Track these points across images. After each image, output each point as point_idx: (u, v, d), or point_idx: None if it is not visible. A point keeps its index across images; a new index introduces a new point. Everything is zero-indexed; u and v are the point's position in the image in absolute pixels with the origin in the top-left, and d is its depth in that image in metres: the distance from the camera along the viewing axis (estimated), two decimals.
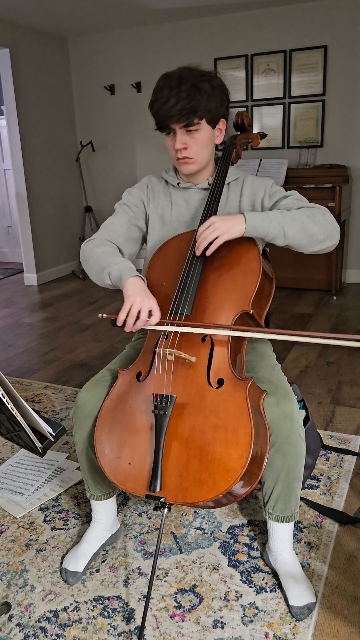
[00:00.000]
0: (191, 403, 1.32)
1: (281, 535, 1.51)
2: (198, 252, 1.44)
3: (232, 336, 1.39)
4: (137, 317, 1.35)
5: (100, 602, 1.49)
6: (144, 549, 1.68)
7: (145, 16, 4.64)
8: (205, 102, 1.46)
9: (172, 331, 1.42)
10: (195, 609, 1.45)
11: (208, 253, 1.43)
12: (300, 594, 1.44)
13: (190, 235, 1.56)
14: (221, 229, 1.40)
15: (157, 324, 1.40)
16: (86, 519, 1.83)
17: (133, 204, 1.67)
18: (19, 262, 6.36)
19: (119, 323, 1.36)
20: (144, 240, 1.72)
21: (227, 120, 1.59)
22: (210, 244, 1.42)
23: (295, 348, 3.29)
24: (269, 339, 1.76)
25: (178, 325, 1.40)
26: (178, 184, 1.65)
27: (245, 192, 1.61)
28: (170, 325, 1.41)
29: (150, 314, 1.37)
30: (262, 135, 1.74)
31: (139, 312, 1.35)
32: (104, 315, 1.42)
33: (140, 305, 1.35)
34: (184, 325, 1.39)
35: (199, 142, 1.51)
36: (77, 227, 5.71)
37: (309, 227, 1.44)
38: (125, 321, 1.36)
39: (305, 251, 1.51)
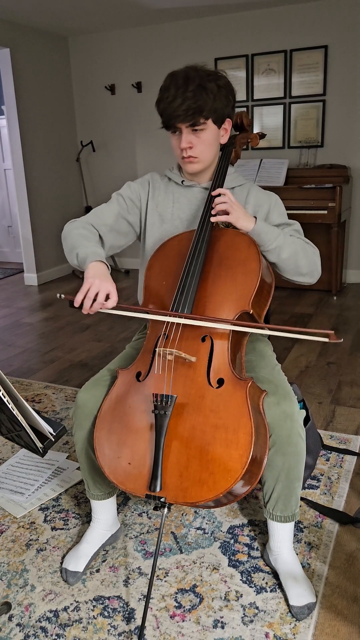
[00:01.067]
0: (191, 403, 1.32)
1: (281, 535, 1.51)
2: (213, 212, 1.48)
3: (232, 336, 1.39)
4: (95, 300, 1.36)
5: (101, 602, 1.49)
6: (144, 549, 1.68)
7: (145, 16, 4.64)
8: (212, 102, 1.46)
9: (172, 331, 1.42)
10: (195, 609, 1.45)
11: (213, 219, 1.47)
12: (300, 594, 1.44)
13: (189, 235, 1.56)
14: (232, 210, 1.45)
15: (156, 315, 1.40)
16: (86, 518, 1.83)
17: (129, 198, 1.67)
18: (19, 262, 6.36)
19: (76, 304, 1.37)
20: (137, 236, 1.74)
21: (233, 119, 1.60)
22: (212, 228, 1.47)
23: (296, 348, 3.29)
24: (269, 339, 1.76)
25: (171, 316, 1.40)
26: (182, 182, 1.65)
27: (250, 201, 1.63)
28: (167, 322, 1.41)
29: (107, 298, 1.38)
30: (262, 136, 1.74)
31: (97, 295, 1.36)
32: (62, 295, 1.42)
33: (98, 288, 1.36)
34: (183, 322, 1.39)
35: (204, 142, 1.52)
36: None
37: (299, 258, 1.52)
38: (82, 303, 1.37)
39: (284, 276, 1.58)
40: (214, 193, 1.49)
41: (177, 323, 1.42)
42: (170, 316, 1.41)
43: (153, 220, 1.67)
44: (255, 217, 1.48)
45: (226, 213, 1.45)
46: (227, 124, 1.58)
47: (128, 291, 4.80)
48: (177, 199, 1.66)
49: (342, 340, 1.33)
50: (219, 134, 1.56)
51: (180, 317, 1.40)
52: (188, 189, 1.66)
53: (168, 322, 1.44)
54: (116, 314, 1.41)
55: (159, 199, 1.68)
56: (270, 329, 1.36)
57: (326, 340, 1.28)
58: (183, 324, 1.42)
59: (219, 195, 1.47)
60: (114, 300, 1.38)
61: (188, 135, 1.51)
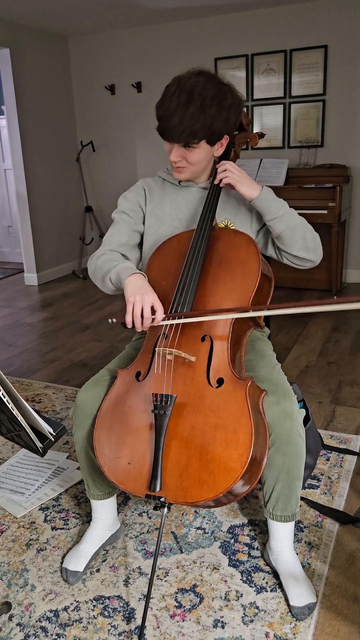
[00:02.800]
0: (191, 403, 1.32)
1: (282, 534, 1.51)
2: (216, 182, 1.54)
3: (231, 335, 1.39)
4: (142, 316, 1.35)
5: (101, 601, 1.49)
6: (144, 549, 1.68)
7: (145, 16, 4.64)
8: (208, 125, 1.44)
9: (171, 331, 1.42)
10: (195, 609, 1.45)
11: (215, 182, 1.52)
12: (300, 594, 1.44)
13: (189, 235, 1.56)
14: (236, 176, 1.49)
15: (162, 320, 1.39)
16: (86, 518, 1.83)
17: (131, 210, 1.67)
18: (20, 262, 6.36)
19: (128, 325, 1.36)
20: None
21: (231, 136, 1.61)
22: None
23: (296, 348, 3.29)
24: (268, 339, 1.76)
25: (180, 317, 1.39)
26: (179, 182, 1.65)
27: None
28: (174, 320, 1.40)
29: (153, 311, 1.36)
30: (261, 135, 1.74)
31: (142, 310, 1.35)
32: (114, 320, 1.40)
33: (140, 304, 1.35)
34: (187, 318, 1.39)
35: (195, 157, 1.52)
36: (77, 227, 5.71)
37: (305, 230, 1.54)
38: (133, 322, 1.36)
39: (291, 250, 1.55)
40: (218, 165, 1.53)
41: (176, 324, 1.42)
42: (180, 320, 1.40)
43: (150, 222, 1.67)
44: (262, 186, 1.51)
45: (229, 178, 1.50)
46: (224, 140, 1.57)
47: None
48: (175, 200, 1.66)
49: None
50: (213, 149, 1.56)
51: (199, 315, 1.39)
52: (185, 189, 1.66)
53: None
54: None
55: (156, 201, 1.68)
56: (306, 306, 1.26)
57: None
58: (182, 324, 1.42)
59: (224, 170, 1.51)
60: (160, 311, 1.36)
61: (179, 150, 1.50)
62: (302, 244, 1.53)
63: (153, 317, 1.36)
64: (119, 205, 1.69)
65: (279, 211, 1.50)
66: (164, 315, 1.37)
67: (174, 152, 1.51)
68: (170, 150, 1.52)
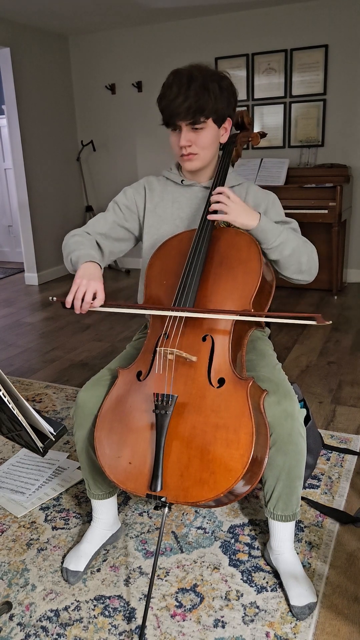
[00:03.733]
0: (192, 402, 1.32)
1: (282, 534, 1.51)
2: (211, 209, 1.49)
3: (232, 335, 1.39)
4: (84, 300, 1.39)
5: (101, 601, 1.49)
6: (145, 549, 1.68)
7: (146, 15, 4.64)
8: (213, 102, 1.47)
9: (172, 331, 1.42)
10: (196, 609, 1.45)
11: (210, 218, 1.48)
12: (301, 594, 1.44)
13: (190, 234, 1.56)
14: (230, 210, 1.45)
15: (157, 310, 1.42)
16: (87, 518, 1.83)
17: (124, 205, 1.69)
18: (20, 262, 6.36)
19: (67, 305, 1.41)
20: (136, 240, 1.75)
21: (233, 120, 1.60)
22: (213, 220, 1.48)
23: (296, 347, 3.29)
24: (269, 338, 1.76)
25: (175, 310, 1.41)
26: (182, 181, 1.65)
27: (248, 200, 1.63)
28: (168, 322, 1.41)
29: (95, 297, 1.40)
30: (262, 135, 1.74)
31: (85, 294, 1.39)
32: (54, 298, 1.46)
33: (85, 288, 1.39)
34: (178, 315, 1.39)
35: (204, 140, 1.52)
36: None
37: (300, 254, 1.52)
38: (73, 304, 1.40)
39: (283, 273, 1.57)
40: (214, 193, 1.48)
41: (177, 323, 1.42)
42: (159, 310, 1.44)
43: (151, 222, 1.67)
44: (260, 213, 1.48)
45: (224, 212, 1.46)
46: (227, 124, 1.58)
47: (129, 291, 4.80)
48: (177, 199, 1.66)
49: (330, 322, 1.33)
50: (219, 133, 1.56)
51: (173, 310, 1.42)
52: (188, 188, 1.66)
53: (168, 322, 1.44)
54: (114, 312, 1.44)
55: (157, 200, 1.68)
56: (258, 316, 1.39)
57: (313, 323, 1.28)
58: (184, 324, 1.42)
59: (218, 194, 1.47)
60: (100, 298, 1.41)
61: (188, 134, 1.51)
62: (296, 268, 1.54)
63: (92, 302, 1.40)
64: (118, 197, 1.72)
65: (275, 241, 1.48)
66: (103, 303, 1.41)
67: (183, 135, 1.51)
68: (178, 138, 1.52)
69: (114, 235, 1.68)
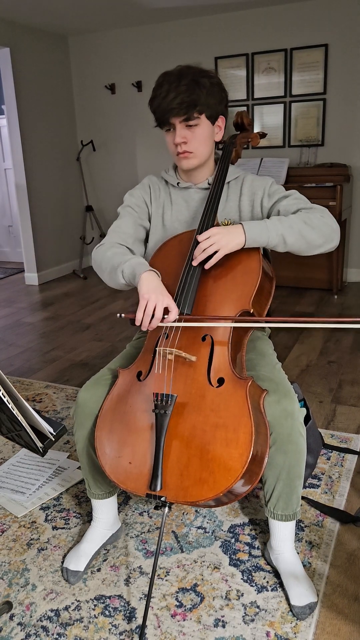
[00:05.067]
0: (191, 402, 1.32)
1: (282, 534, 1.51)
2: (195, 263, 1.43)
3: (232, 335, 1.39)
4: (153, 315, 1.34)
5: (102, 601, 1.49)
6: (145, 548, 1.68)
7: (145, 15, 4.64)
8: (205, 96, 1.47)
9: (172, 331, 1.42)
10: (196, 608, 1.45)
11: (207, 266, 1.43)
12: (301, 593, 1.44)
13: (190, 235, 1.56)
14: (220, 243, 1.40)
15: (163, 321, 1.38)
16: (87, 518, 1.83)
17: (136, 205, 1.67)
18: (20, 262, 6.36)
19: (137, 322, 1.35)
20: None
21: (227, 118, 1.60)
22: (209, 258, 1.42)
23: (297, 347, 3.29)
24: (269, 338, 1.76)
25: (184, 321, 1.39)
26: (178, 183, 1.65)
27: (244, 191, 1.61)
28: (181, 322, 1.40)
29: (167, 311, 1.35)
30: (262, 135, 1.74)
31: (155, 309, 1.33)
32: (122, 315, 1.40)
33: (154, 303, 1.33)
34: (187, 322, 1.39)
35: (199, 137, 1.52)
36: (77, 227, 5.71)
37: (306, 234, 1.45)
38: (142, 320, 1.34)
39: (304, 254, 1.52)
40: (199, 242, 1.42)
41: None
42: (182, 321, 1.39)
43: (156, 222, 1.67)
44: (241, 224, 1.42)
45: (215, 252, 1.41)
46: (221, 121, 1.58)
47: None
48: (175, 201, 1.66)
49: None
50: (213, 130, 1.56)
51: (188, 321, 1.38)
52: (184, 191, 1.66)
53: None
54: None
55: (160, 201, 1.68)
56: (267, 322, 1.36)
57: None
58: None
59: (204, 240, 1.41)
60: (174, 313, 1.34)
61: (182, 130, 1.50)
62: (310, 246, 1.47)
63: (164, 316, 1.34)
64: (125, 201, 1.68)
65: (272, 239, 1.42)
66: (177, 316, 1.35)
67: (177, 132, 1.50)
68: (173, 137, 1.52)
69: (139, 237, 1.65)
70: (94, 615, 1.45)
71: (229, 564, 1.60)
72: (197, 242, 1.43)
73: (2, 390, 1.14)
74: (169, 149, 1.58)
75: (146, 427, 1.34)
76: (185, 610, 1.45)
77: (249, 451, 1.22)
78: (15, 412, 1.15)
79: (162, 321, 1.35)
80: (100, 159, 5.58)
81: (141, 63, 5.10)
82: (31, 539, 1.74)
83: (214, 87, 1.50)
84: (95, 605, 1.48)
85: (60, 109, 5.37)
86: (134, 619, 1.43)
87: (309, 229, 1.45)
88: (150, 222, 1.69)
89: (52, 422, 1.22)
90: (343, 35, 4.34)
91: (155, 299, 1.33)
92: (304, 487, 1.93)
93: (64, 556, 1.66)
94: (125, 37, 5.09)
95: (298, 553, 1.62)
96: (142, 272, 1.39)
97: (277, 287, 1.57)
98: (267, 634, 1.37)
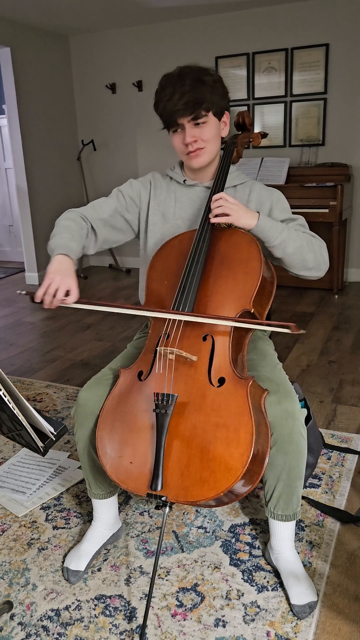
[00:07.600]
0: (192, 402, 1.32)
1: (283, 534, 1.51)
2: (213, 219, 1.46)
3: (233, 335, 1.39)
4: (55, 296, 1.37)
5: (102, 600, 1.49)
6: (146, 548, 1.68)
7: (146, 14, 4.64)
8: (209, 94, 1.48)
9: (173, 330, 1.42)
10: (196, 608, 1.45)
11: (213, 220, 1.46)
12: (301, 593, 1.44)
13: (191, 235, 1.56)
14: (232, 211, 1.44)
15: (157, 312, 1.40)
16: (88, 517, 1.83)
17: (129, 196, 1.68)
18: (21, 261, 6.35)
19: (37, 299, 1.38)
20: (135, 234, 1.73)
21: (234, 120, 1.61)
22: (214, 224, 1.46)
23: (297, 347, 3.29)
24: (270, 338, 1.76)
25: (174, 313, 1.40)
26: (184, 181, 1.65)
27: (252, 199, 1.62)
28: (168, 322, 1.41)
29: (68, 294, 1.38)
30: (263, 135, 1.74)
31: (57, 290, 1.37)
32: (23, 291, 1.44)
33: (58, 284, 1.37)
34: (184, 320, 1.39)
35: (208, 134, 1.53)
36: None
37: (304, 252, 1.50)
38: (43, 298, 1.38)
39: (292, 271, 1.56)
40: (213, 198, 1.47)
41: (177, 323, 1.42)
42: (137, 310, 1.43)
43: (155, 219, 1.67)
44: (259, 212, 1.48)
45: (225, 214, 1.45)
46: (226, 117, 1.59)
47: (129, 290, 4.80)
48: (179, 198, 1.66)
49: (303, 331, 1.35)
50: (220, 127, 1.57)
51: (157, 312, 1.41)
52: (190, 188, 1.66)
53: (169, 322, 1.44)
54: (113, 312, 1.42)
55: (161, 198, 1.68)
56: (235, 321, 1.36)
57: (287, 331, 1.28)
58: (184, 324, 1.42)
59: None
60: (74, 296, 1.39)
61: (191, 130, 1.51)
62: (302, 265, 1.52)
63: (64, 298, 1.38)
64: (123, 185, 1.70)
65: (276, 239, 1.47)
66: (76, 300, 1.39)
67: (187, 132, 1.51)
68: (182, 137, 1.52)
69: (112, 223, 1.66)
70: (95, 615, 1.45)
71: (230, 564, 1.60)
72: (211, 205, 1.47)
73: (3, 390, 1.14)
74: (176, 149, 1.58)
75: (147, 426, 1.34)
76: (185, 610, 1.45)
77: (249, 451, 1.22)
78: (16, 411, 1.15)
79: (62, 302, 1.39)
80: (100, 158, 5.58)
81: (142, 63, 5.10)
82: (32, 539, 1.74)
83: (216, 83, 1.51)
84: (95, 605, 1.48)
85: (61, 109, 5.37)
86: (134, 618, 1.43)
87: (308, 250, 1.50)
88: (143, 219, 1.69)
89: (52, 422, 1.22)
90: (344, 35, 4.33)
91: (59, 281, 1.38)
92: (305, 487, 1.93)
93: (65, 556, 1.66)
94: (126, 37, 5.09)
95: (298, 553, 1.62)
96: (57, 253, 1.46)
97: (278, 286, 1.57)
98: (268, 633, 1.37)
